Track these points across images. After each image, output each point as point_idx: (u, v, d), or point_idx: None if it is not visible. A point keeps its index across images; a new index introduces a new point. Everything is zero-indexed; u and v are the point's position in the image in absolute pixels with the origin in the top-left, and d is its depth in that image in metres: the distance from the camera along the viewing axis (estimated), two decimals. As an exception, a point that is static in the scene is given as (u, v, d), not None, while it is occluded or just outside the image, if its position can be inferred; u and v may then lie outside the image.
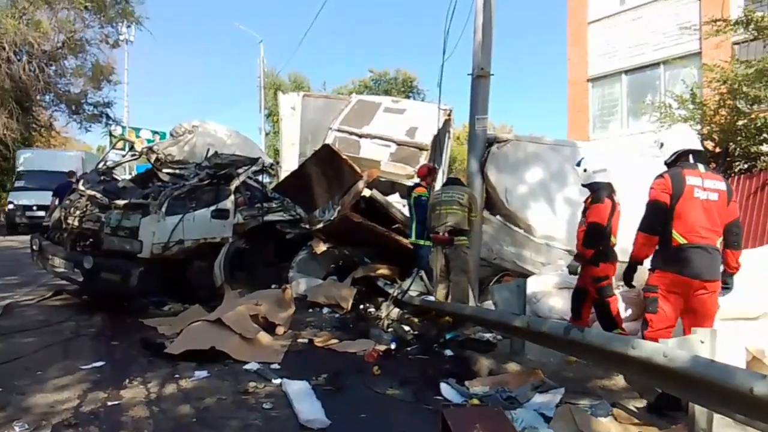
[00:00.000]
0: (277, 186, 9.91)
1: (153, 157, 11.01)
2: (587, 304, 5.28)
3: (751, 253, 5.33)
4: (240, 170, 9.03)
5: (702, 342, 3.32)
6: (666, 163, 4.08)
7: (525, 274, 7.33)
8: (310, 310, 7.69)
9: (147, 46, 66.61)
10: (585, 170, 5.18)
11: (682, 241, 3.81)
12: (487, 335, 6.14)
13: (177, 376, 4.87)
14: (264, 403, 4.26)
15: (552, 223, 7.80)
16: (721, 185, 3.88)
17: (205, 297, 7.68)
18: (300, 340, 6.19)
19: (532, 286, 6.51)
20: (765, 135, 8.58)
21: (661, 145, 4.15)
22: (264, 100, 29.99)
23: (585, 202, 5.28)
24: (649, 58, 13.50)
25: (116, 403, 4.20)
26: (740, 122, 8.71)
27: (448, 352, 5.84)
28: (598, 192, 5.05)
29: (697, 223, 3.80)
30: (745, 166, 8.78)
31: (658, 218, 3.88)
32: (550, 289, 6.55)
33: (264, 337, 5.90)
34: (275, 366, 5.23)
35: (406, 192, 8.57)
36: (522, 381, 4.57)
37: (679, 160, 3.97)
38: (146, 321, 6.94)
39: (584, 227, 5.13)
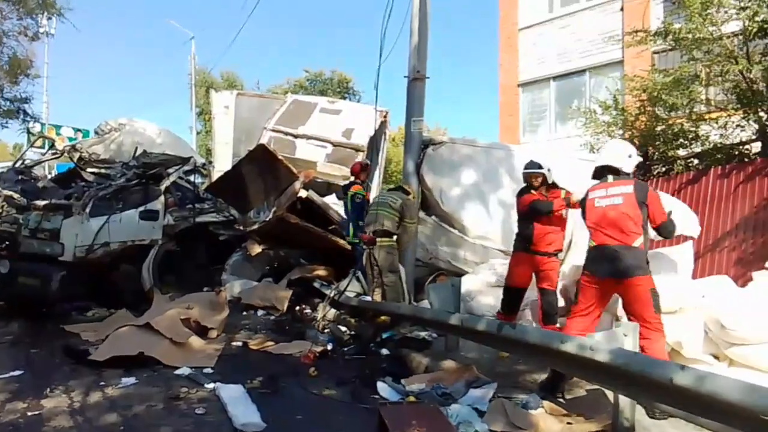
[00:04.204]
0: (210, 186, 9.69)
1: (76, 155, 10.55)
2: (520, 300, 5.49)
3: (670, 250, 5.65)
4: (170, 170, 8.78)
5: (625, 335, 3.49)
6: None
7: (459, 274, 7.47)
8: (245, 313, 7.54)
9: (70, 39, 63.24)
10: (549, 170, 5.44)
11: (591, 244, 4.27)
12: (423, 333, 6.21)
13: (102, 383, 4.67)
14: (196, 408, 4.14)
15: (486, 224, 7.99)
16: (627, 189, 4.17)
17: (133, 302, 7.41)
18: (234, 344, 6.07)
19: (467, 284, 6.65)
20: (681, 140, 9.10)
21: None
22: (195, 98, 29.14)
23: (547, 197, 5.43)
24: (576, 66, 14.03)
25: (37, 413, 3.98)
26: (659, 128, 9.19)
27: (385, 352, 5.87)
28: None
29: (601, 227, 4.18)
30: (663, 169, 9.28)
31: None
32: (483, 288, 6.71)
33: (196, 341, 5.74)
34: (208, 370, 5.09)
35: (342, 191, 8.53)
36: (457, 377, 4.65)
37: (595, 177, 4.43)
38: (69, 327, 6.62)
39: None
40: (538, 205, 5.34)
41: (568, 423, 3.66)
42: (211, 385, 4.59)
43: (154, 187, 8.32)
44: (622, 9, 12.96)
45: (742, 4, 7.87)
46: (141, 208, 8.05)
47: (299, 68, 39.04)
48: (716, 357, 4.45)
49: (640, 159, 4.85)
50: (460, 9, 53.10)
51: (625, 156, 4.33)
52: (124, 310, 7.04)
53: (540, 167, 5.46)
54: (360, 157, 11.27)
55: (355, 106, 14.68)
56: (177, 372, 4.98)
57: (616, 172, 4.27)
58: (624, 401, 3.53)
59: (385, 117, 12.58)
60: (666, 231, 4.32)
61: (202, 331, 6.11)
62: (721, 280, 5.26)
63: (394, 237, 6.99)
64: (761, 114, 8.09)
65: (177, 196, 8.91)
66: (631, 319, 4.08)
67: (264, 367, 5.20)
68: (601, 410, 3.85)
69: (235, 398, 4.21)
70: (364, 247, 7.10)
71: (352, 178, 8.41)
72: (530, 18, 15.19)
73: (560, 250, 5.45)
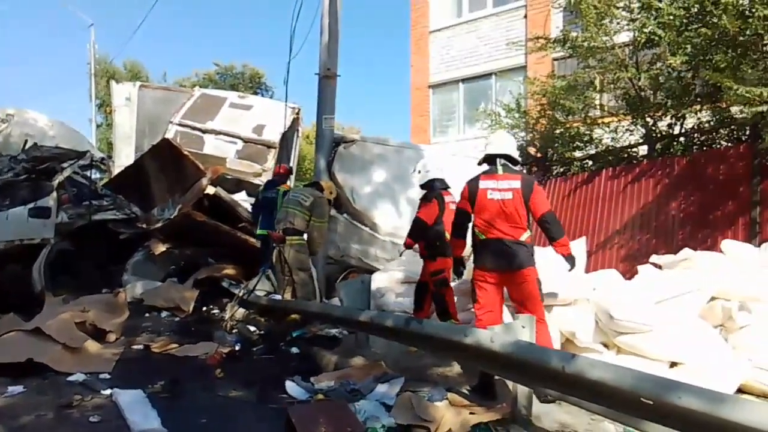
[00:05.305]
0: (110, 182, 9.20)
1: (-45, 147, 9.66)
2: (428, 296, 5.58)
3: (565, 246, 5.98)
4: (65, 164, 8.25)
5: (523, 327, 3.66)
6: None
7: (371, 271, 7.54)
8: (147, 315, 7.21)
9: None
10: (419, 172, 5.49)
11: (482, 237, 4.25)
12: (334, 331, 6.21)
13: (-14, 393, 4.30)
14: (91, 416, 3.90)
15: (396, 222, 8.13)
16: (515, 184, 4.24)
17: (22, 305, 6.87)
18: (134, 347, 5.78)
19: (377, 282, 6.72)
20: (577, 143, 9.72)
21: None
22: (95, 89, 27.52)
23: (419, 201, 5.59)
24: (483, 69, 14.54)
25: None
26: (557, 131, 9.76)
27: (295, 350, 5.82)
28: (429, 192, 5.39)
29: (493, 220, 4.20)
30: (561, 170, 9.86)
31: (462, 223, 4.38)
32: (393, 285, 6.82)
33: (92, 345, 5.41)
34: (105, 376, 4.81)
35: (269, 185, 8.27)
36: (366, 373, 4.69)
37: (485, 164, 4.40)
38: (-54, 334, 6.01)
39: None
40: None
41: (471, 413, 3.79)
42: (107, 391, 4.34)
43: (45, 183, 7.80)
44: (525, 16, 13.59)
45: (632, 16, 8.48)
46: (30, 205, 7.53)
47: (209, 61, 37.78)
48: (606, 345, 4.76)
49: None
50: (374, 9, 53.50)
51: (515, 147, 4.45)
52: (12, 314, 6.50)
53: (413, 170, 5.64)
54: (272, 153, 11.13)
55: (267, 102, 14.45)
56: (70, 378, 4.67)
57: (512, 161, 4.37)
58: (522, 390, 3.71)
59: (297, 114, 12.48)
60: (549, 223, 4.29)
61: (99, 335, 5.77)
62: (610, 273, 5.65)
63: (305, 235, 6.95)
64: (647, 119, 8.76)
65: (72, 193, 8.40)
66: (519, 309, 4.25)
67: (166, 370, 4.98)
68: (502, 400, 4.02)
69: (134, 404, 4.01)
70: (275, 245, 7.01)
71: (271, 177, 8.34)
72: (440, 21, 15.57)
73: (432, 253, 5.37)
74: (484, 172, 4.33)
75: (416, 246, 5.69)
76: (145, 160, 8.57)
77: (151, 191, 8.79)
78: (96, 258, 8.48)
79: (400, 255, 6.04)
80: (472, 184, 4.29)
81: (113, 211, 8.91)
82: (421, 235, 5.37)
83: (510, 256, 4.19)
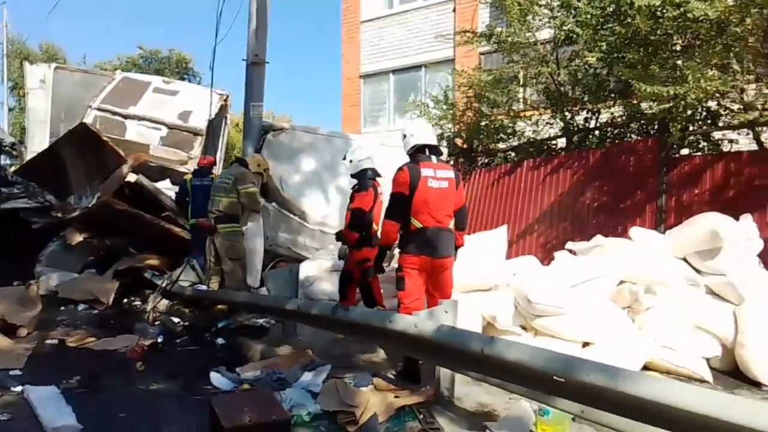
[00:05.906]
0: (21, 168, 8.70)
1: None
2: (353, 285, 5.60)
3: (487, 234, 6.20)
4: (-30, 149, 7.71)
5: (446, 312, 3.78)
6: (408, 154, 4.49)
7: (300, 260, 7.52)
8: (63, 308, 6.91)
9: None
10: (351, 161, 5.45)
11: (419, 225, 4.25)
12: (261, 320, 6.17)
13: None
14: (1, 414, 3.73)
15: (325, 210, 8.13)
16: (450, 174, 4.38)
17: None
18: (48, 342, 5.55)
19: (305, 270, 6.72)
20: (501, 135, 10.03)
21: (404, 136, 4.56)
22: (7, 70, 25.82)
23: (352, 190, 5.58)
24: (413, 61, 14.66)
25: None
26: (483, 123, 10.03)
27: (221, 341, 5.76)
28: (363, 180, 5.39)
29: (431, 209, 4.25)
30: (486, 161, 10.16)
31: (402, 208, 4.31)
32: (321, 274, 6.84)
33: (1, 340, 5.15)
34: (16, 372, 4.60)
35: (201, 173, 7.99)
36: (292, 362, 4.70)
37: (417, 153, 4.40)
38: None
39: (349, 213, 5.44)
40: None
41: (396, 397, 3.88)
42: (18, 388, 4.15)
43: (-52, 169, 7.28)
44: (454, 10, 13.81)
45: (552, 14, 8.81)
46: (-68, 193, 7.01)
47: (133, 44, 36.15)
48: (524, 328, 4.97)
49: None
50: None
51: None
52: None
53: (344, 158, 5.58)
54: (198, 140, 10.86)
55: (194, 88, 14.02)
56: (-22, 376, 4.44)
57: (439, 152, 4.50)
58: (445, 373, 3.84)
59: (225, 101, 12.22)
60: (465, 214, 4.59)
61: (9, 330, 5.50)
62: (529, 260, 5.91)
63: (238, 222, 6.82)
64: (566, 113, 9.15)
65: (-21, 180, 7.88)
66: (435, 295, 4.33)
67: (83, 365, 4.81)
68: (426, 383, 4.13)
69: (47, 400, 3.84)
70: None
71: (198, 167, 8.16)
72: (371, 12, 15.56)
73: (359, 243, 5.30)
74: (419, 161, 4.32)
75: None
76: (61, 145, 8.15)
77: (67, 179, 8.37)
78: (6, 249, 8.01)
79: (341, 258, 5.68)
80: (413, 171, 4.24)
81: (25, 199, 8.45)
82: (362, 224, 5.26)
83: (442, 244, 4.28)
